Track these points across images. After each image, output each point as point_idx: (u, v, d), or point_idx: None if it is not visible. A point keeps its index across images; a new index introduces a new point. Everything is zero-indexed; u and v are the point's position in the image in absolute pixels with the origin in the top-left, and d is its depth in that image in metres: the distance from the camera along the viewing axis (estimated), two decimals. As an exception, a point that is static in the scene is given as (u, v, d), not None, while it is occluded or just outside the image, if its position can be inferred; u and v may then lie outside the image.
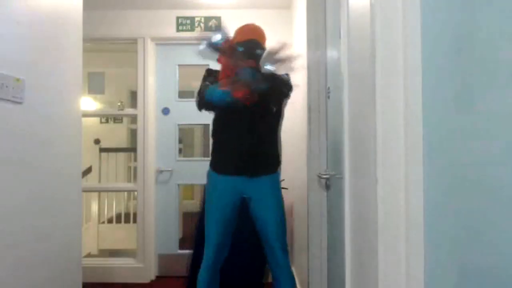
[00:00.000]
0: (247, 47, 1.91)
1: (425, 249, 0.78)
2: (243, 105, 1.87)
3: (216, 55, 1.87)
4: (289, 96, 2.05)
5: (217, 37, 1.75)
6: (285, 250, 1.95)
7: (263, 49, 1.94)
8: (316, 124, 2.19)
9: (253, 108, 1.93)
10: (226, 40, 1.82)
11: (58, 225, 1.94)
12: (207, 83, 1.95)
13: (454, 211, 0.69)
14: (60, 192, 1.96)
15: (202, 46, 1.81)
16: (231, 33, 1.88)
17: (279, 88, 1.96)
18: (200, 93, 1.94)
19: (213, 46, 1.78)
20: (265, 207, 1.94)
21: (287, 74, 1.99)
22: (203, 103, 1.94)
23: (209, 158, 2.07)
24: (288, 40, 3.25)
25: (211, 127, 2.15)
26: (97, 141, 5.03)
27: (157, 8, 3.28)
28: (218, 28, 1.83)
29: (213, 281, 1.98)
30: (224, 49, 1.78)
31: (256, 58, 1.86)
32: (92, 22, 3.11)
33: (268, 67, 1.66)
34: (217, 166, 1.99)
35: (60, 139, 1.97)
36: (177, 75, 3.40)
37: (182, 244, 3.43)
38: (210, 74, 2.03)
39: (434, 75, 0.76)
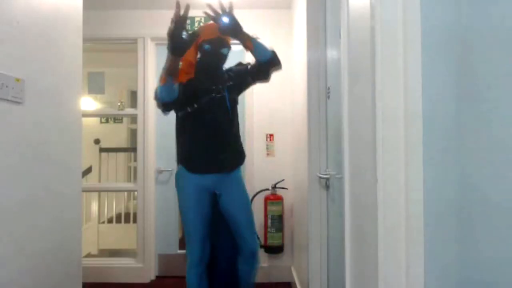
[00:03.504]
0: (213, 44, 1.94)
1: (425, 249, 0.78)
2: (210, 99, 1.93)
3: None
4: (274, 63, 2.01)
5: (225, 19, 1.80)
6: (255, 233, 2.10)
7: (228, 47, 2.00)
8: (316, 124, 2.19)
9: (223, 102, 1.99)
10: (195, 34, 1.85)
11: (58, 225, 1.94)
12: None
13: (454, 211, 0.69)
14: (60, 192, 1.96)
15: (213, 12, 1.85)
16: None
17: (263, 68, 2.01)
18: (155, 97, 1.93)
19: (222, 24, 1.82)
20: (233, 200, 2.03)
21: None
22: (161, 104, 1.92)
23: None
24: (288, 40, 3.25)
25: (176, 124, 2.14)
26: (97, 141, 5.03)
27: (157, 8, 3.28)
28: (228, 13, 1.84)
29: (202, 278, 2.01)
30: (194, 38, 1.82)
31: (222, 56, 1.97)
32: (92, 22, 3.11)
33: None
34: (189, 164, 1.99)
35: (60, 139, 1.97)
36: (177, 75, 3.40)
37: (182, 244, 3.42)
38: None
39: (434, 75, 0.76)
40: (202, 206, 1.98)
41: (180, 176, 2.01)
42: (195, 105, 1.97)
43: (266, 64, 1.98)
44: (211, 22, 1.94)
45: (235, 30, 1.84)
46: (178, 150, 2.07)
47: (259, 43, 1.93)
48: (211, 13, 1.81)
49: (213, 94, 1.97)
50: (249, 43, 1.89)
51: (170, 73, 1.76)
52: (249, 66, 2.05)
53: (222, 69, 2.06)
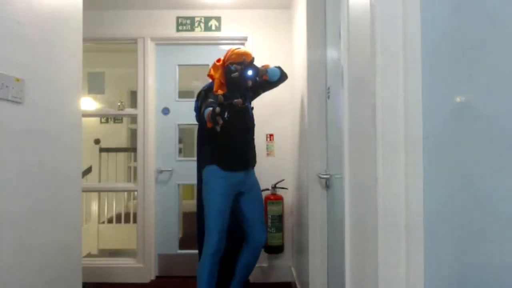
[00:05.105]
0: (240, 66, 2.21)
1: (425, 249, 0.78)
2: (239, 109, 2.13)
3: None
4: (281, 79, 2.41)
5: (250, 72, 2.14)
6: (265, 227, 2.45)
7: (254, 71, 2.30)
8: (316, 124, 2.19)
9: (247, 110, 2.32)
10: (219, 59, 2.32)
11: (58, 225, 1.94)
12: (211, 100, 2.17)
13: (453, 211, 0.69)
14: (60, 192, 1.96)
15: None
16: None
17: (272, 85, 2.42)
18: (201, 116, 2.19)
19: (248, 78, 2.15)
20: (254, 197, 2.39)
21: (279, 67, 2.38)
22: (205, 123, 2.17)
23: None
24: (288, 40, 3.25)
25: (205, 128, 2.31)
26: (97, 141, 5.02)
27: (157, 8, 3.28)
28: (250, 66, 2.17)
29: (214, 270, 2.19)
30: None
31: (247, 77, 2.21)
32: (92, 22, 3.11)
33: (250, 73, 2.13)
34: (225, 163, 2.25)
35: (60, 139, 1.97)
36: (177, 75, 3.40)
37: (182, 244, 3.43)
38: (207, 94, 2.27)
39: (434, 75, 0.76)
40: (228, 202, 2.26)
41: (213, 173, 2.26)
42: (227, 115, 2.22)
43: (276, 82, 2.38)
44: (239, 48, 2.32)
45: (257, 75, 2.19)
46: (208, 151, 2.33)
47: (271, 70, 2.31)
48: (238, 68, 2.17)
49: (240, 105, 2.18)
50: (266, 77, 2.27)
51: (215, 123, 1.96)
52: (258, 79, 2.33)
53: (247, 85, 2.29)
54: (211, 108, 2.01)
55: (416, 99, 0.79)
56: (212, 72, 2.35)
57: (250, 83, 2.14)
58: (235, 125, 2.24)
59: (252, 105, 2.45)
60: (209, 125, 2.00)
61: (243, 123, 2.33)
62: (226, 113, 1.90)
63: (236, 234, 2.42)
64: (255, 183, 2.44)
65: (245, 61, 2.15)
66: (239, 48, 2.35)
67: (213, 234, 2.19)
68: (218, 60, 2.35)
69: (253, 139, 2.42)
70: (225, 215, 2.23)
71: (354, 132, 1.12)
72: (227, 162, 2.27)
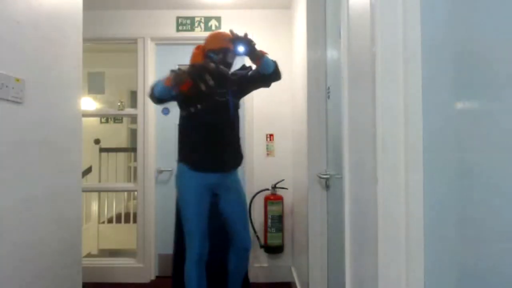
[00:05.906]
0: (219, 54, 2.03)
1: (425, 249, 0.78)
2: (213, 102, 2.00)
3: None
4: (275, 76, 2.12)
5: (241, 48, 1.88)
6: (248, 232, 2.24)
7: (234, 56, 2.07)
8: (316, 124, 2.19)
9: (226, 105, 2.08)
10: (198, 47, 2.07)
11: (58, 225, 1.94)
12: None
13: (454, 211, 0.69)
14: (60, 192, 1.96)
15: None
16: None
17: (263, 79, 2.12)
18: (151, 90, 2.01)
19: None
20: (232, 200, 2.17)
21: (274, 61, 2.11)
22: (153, 98, 2.01)
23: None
24: (288, 40, 3.25)
25: (180, 123, 2.21)
26: (97, 141, 5.02)
27: (157, 8, 3.27)
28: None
29: (201, 275, 2.05)
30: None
31: (227, 64, 2.05)
32: (92, 22, 3.11)
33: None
34: (194, 163, 2.06)
35: (60, 139, 1.97)
36: (177, 75, 3.40)
37: (182, 244, 3.43)
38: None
39: (434, 75, 0.76)
40: (203, 204, 2.06)
41: (182, 173, 2.08)
42: (198, 106, 2.03)
43: (268, 77, 2.09)
44: (218, 31, 2.05)
45: (250, 53, 1.91)
46: (180, 148, 2.14)
47: (267, 59, 2.01)
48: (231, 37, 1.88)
49: (216, 98, 2.03)
50: (259, 61, 1.97)
51: (177, 83, 1.84)
52: (250, 73, 2.14)
53: (227, 75, 2.10)
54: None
55: (416, 99, 0.79)
56: (191, 62, 2.09)
57: (232, 59, 1.98)
58: (210, 120, 2.03)
59: (238, 102, 2.21)
60: (168, 83, 1.85)
61: (222, 119, 2.07)
62: (206, 76, 1.76)
63: (219, 235, 2.26)
64: (234, 183, 2.19)
65: (236, 35, 1.86)
66: (218, 31, 2.09)
67: (195, 239, 2.02)
68: (197, 47, 2.09)
69: (236, 138, 2.18)
70: (203, 218, 2.05)
71: (354, 132, 1.12)
72: (196, 161, 2.05)
